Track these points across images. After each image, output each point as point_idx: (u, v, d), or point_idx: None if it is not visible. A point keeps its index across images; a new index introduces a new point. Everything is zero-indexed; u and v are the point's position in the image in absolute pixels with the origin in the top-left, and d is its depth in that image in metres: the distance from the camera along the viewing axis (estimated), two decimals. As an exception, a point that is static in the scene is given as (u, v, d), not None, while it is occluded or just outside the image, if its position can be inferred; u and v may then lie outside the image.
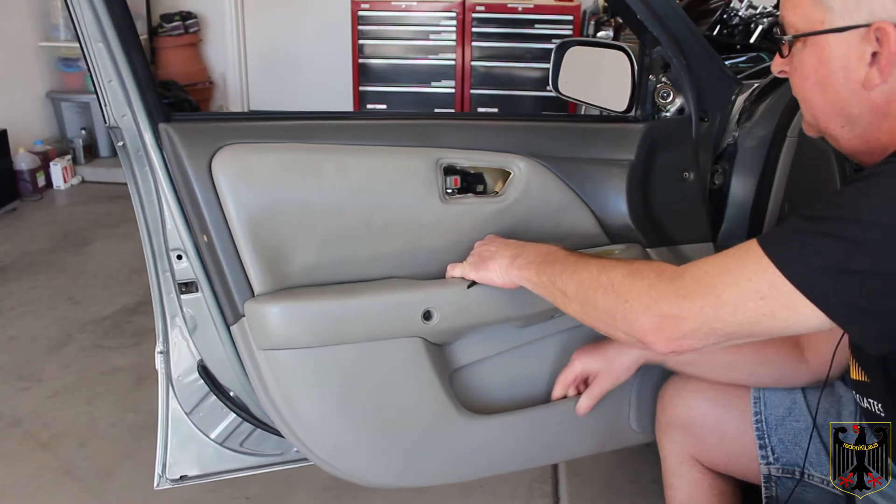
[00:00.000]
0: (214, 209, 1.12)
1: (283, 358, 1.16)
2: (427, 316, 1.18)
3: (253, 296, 1.14)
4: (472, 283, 1.17)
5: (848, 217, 0.80)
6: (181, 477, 1.34)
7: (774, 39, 1.01)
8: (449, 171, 1.22)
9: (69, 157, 4.48)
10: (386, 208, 1.18)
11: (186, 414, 1.31)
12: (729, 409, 1.21)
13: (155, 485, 1.33)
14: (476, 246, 1.20)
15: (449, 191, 1.22)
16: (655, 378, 1.36)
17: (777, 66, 0.97)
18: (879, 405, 1.00)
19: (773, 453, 1.18)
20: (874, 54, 0.84)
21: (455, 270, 1.19)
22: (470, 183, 1.25)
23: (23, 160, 4.14)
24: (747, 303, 0.83)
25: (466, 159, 1.23)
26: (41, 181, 4.24)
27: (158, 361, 1.29)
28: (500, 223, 1.24)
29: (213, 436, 1.33)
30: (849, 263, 0.78)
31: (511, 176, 1.25)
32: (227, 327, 1.22)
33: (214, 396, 1.30)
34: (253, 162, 1.12)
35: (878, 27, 0.83)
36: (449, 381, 1.25)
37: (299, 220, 1.14)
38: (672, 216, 1.35)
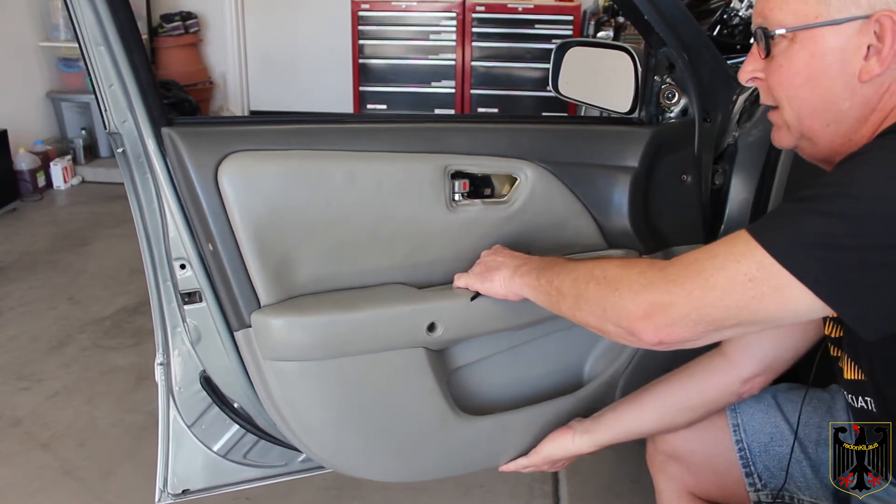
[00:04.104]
0: (220, 217, 1.10)
1: (288, 368, 1.16)
2: (431, 328, 1.18)
3: (259, 306, 1.13)
4: (476, 296, 1.17)
5: (832, 193, 0.80)
6: (184, 491, 1.33)
7: (748, 44, 0.99)
8: (457, 176, 1.21)
9: (69, 157, 4.48)
10: (393, 216, 1.18)
11: (188, 426, 1.29)
12: (717, 443, 1.21)
13: (157, 499, 1.32)
14: (483, 255, 1.20)
15: (457, 196, 1.21)
16: (641, 382, 1.36)
17: (749, 72, 0.96)
18: (873, 402, 1.00)
19: (761, 480, 1.18)
20: (868, 46, 0.85)
21: (460, 281, 1.19)
22: (477, 186, 1.25)
23: (23, 160, 4.14)
24: (736, 286, 0.82)
25: (474, 165, 1.22)
26: (41, 181, 4.24)
27: (158, 373, 1.26)
28: (505, 230, 1.24)
29: (215, 448, 1.32)
30: (833, 238, 0.78)
31: (517, 182, 1.24)
32: (231, 333, 1.21)
33: (217, 408, 1.29)
34: (260, 170, 1.10)
35: (879, 18, 0.83)
36: (447, 384, 1.26)
37: (306, 229, 1.13)
38: (668, 219, 1.35)
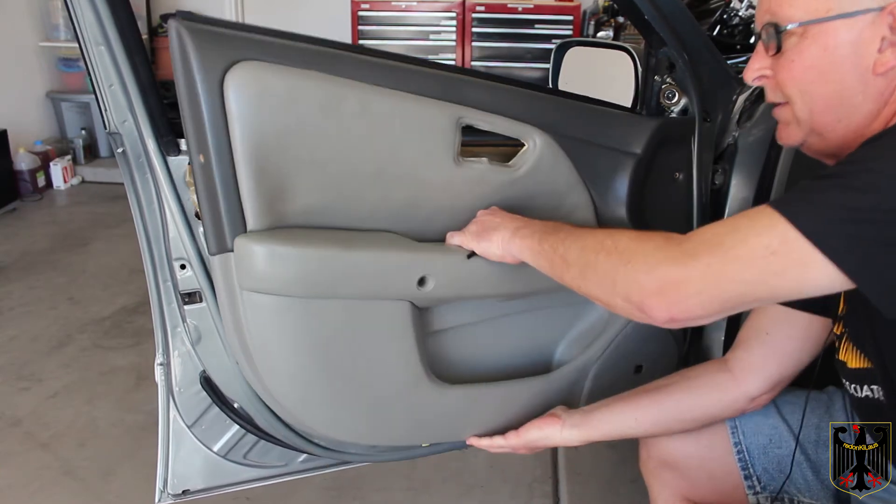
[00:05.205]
0: (219, 128, 1.01)
1: (265, 302, 1.08)
2: (422, 282, 1.13)
3: (245, 230, 1.04)
4: (472, 254, 1.13)
5: (858, 169, 0.79)
6: (183, 492, 1.32)
7: (755, 41, 0.97)
8: (466, 132, 1.16)
9: (69, 157, 4.48)
10: (398, 158, 1.11)
11: (188, 427, 1.29)
12: (712, 447, 1.19)
13: (157, 499, 1.32)
14: (479, 214, 1.15)
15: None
16: (610, 374, 1.35)
17: (756, 70, 0.94)
18: (881, 390, 0.98)
19: (760, 482, 1.17)
20: (882, 38, 0.84)
21: (455, 239, 1.15)
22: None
23: (23, 160, 4.14)
24: (757, 259, 0.79)
25: (486, 122, 1.17)
26: (41, 181, 4.24)
27: (158, 374, 1.27)
28: (506, 194, 1.20)
29: (215, 448, 1.32)
30: (858, 212, 0.76)
31: (525, 148, 1.21)
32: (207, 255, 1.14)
33: (217, 408, 1.28)
34: (270, 84, 1.02)
35: (892, 10, 0.83)
36: (425, 347, 1.21)
37: (308, 155, 1.06)
38: (658, 214, 1.34)
